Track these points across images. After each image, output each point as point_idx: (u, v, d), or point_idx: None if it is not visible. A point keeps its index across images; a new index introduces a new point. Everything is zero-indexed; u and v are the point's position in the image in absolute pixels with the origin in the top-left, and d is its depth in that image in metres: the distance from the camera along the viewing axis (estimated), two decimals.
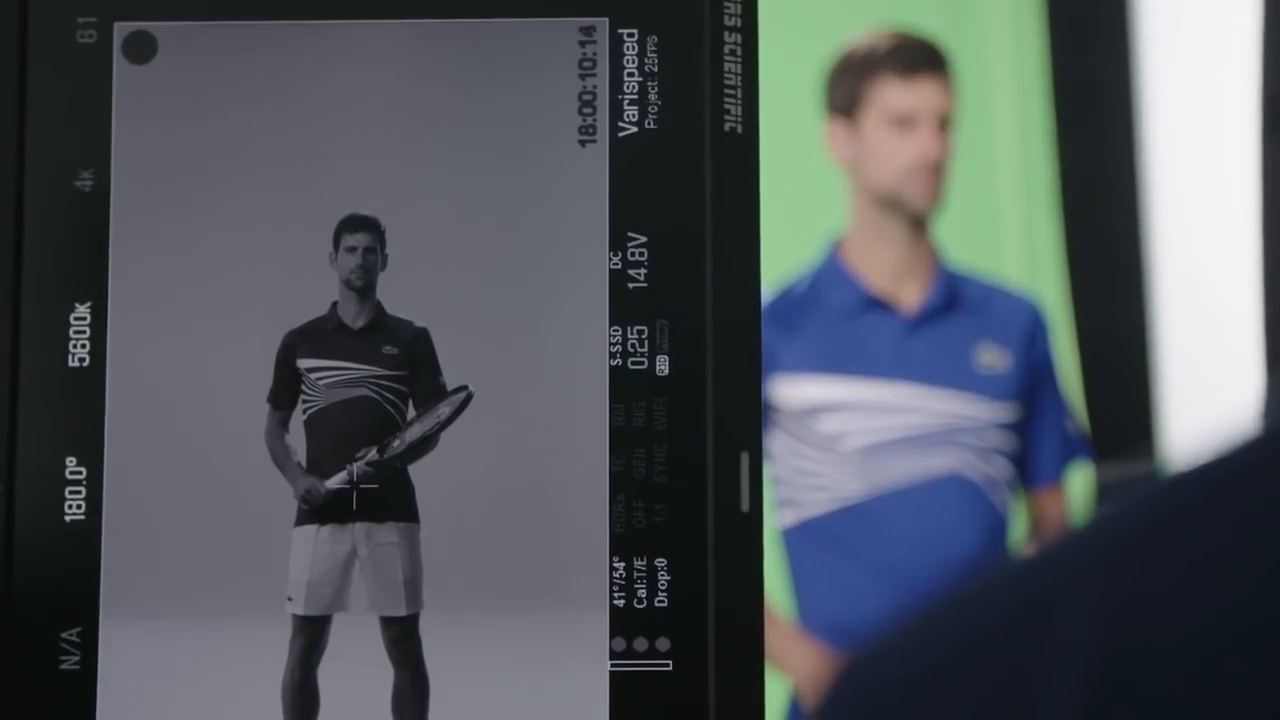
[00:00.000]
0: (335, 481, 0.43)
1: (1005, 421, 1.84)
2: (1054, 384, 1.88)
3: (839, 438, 1.82)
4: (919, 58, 1.83)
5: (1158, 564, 0.32)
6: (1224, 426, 0.37)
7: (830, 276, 1.86)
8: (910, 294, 1.85)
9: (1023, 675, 0.32)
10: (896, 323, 1.84)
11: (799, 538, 1.85)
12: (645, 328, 0.43)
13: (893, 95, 1.82)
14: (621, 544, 0.42)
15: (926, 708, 0.34)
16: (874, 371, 1.83)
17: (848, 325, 1.84)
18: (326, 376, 0.44)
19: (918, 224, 1.85)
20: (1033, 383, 1.86)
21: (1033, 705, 0.32)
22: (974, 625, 0.34)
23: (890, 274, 1.85)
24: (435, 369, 0.43)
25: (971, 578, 0.36)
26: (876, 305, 1.84)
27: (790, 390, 1.82)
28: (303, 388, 0.43)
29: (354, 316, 0.44)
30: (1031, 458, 1.87)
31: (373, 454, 0.43)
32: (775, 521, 1.86)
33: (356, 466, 0.43)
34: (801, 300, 1.85)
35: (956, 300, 1.86)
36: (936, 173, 1.82)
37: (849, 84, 1.84)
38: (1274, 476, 0.33)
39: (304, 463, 0.43)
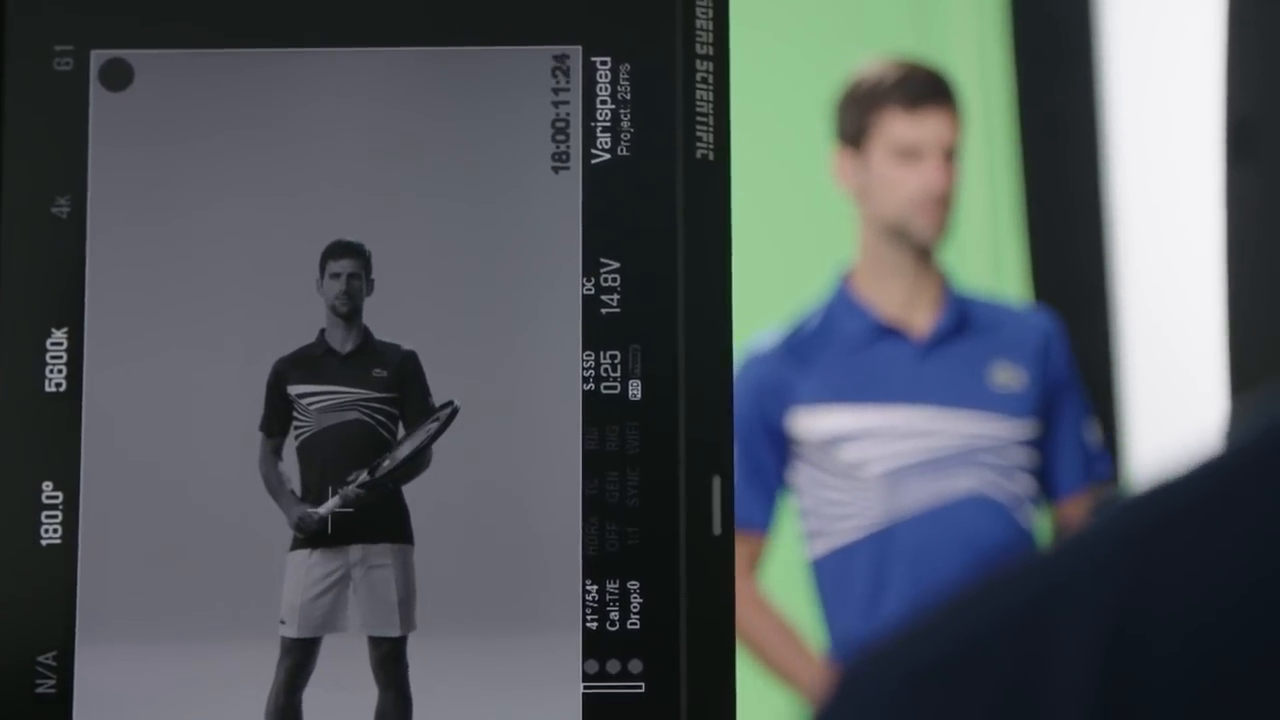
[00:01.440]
0: (327, 507, 0.43)
1: (1025, 438, 1.85)
2: (1072, 397, 1.89)
3: (860, 465, 1.83)
4: (924, 89, 1.84)
5: (1162, 560, 0.33)
6: (1197, 441, 0.37)
7: (841, 308, 1.87)
8: (921, 320, 1.86)
9: (1031, 669, 0.33)
10: (909, 348, 1.85)
11: (828, 567, 1.85)
12: (618, 352, 0.43)
13: (899, 127, 1.82)
14: (594, 567, 0.43)
15: (937, 700, 0.34)
16: (890, 398, 1.84)
17: (861, 354, 1.85)
18: (317, 401, 0.44)
19: (924, 253, 1.86)
20: (1050, 398, 1.87)
21: (1041, 699, 0.32)
22: (983, 620, 0.35)
23: (900, 302, 1.86)
24: (425, 390, 0.44)
25: (982, 575, 0.36)
26: (888, 333, 1.85)
27: (810, 422, 1.82)
28: (294, 414, 0.44)
29: (341, 341, 0.44)
30: (1054, 471, 1.87)
31: (364, 476, 0.43)
32: (805, 553, 1.86)
33: (349, 490, 0.43)
34: (815, 334, 1.86)
35: (967, 322, 1.87)
36: (943, 204, 1.83)
37: (856, 114, 1.85)
38: (1276, 471, 0.33)
39: (297, 490, 0.43)
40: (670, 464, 0.43)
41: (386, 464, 0.43)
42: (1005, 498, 1.82)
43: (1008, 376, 1.85)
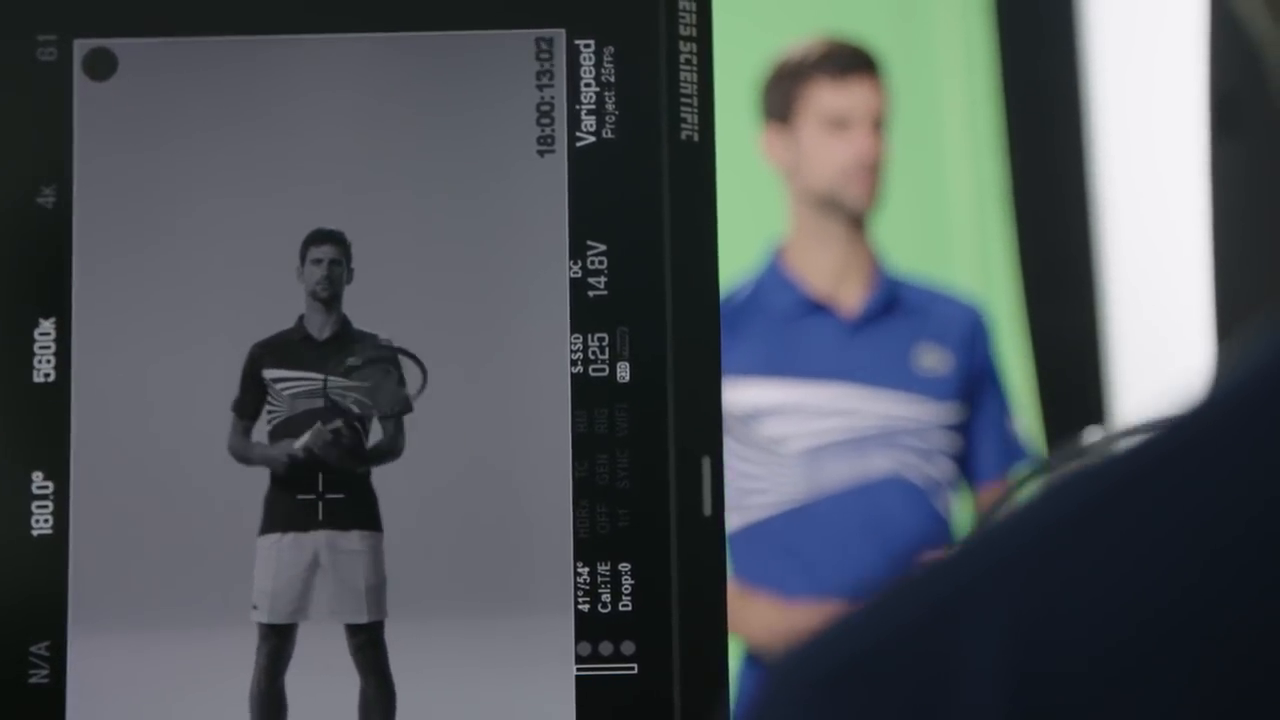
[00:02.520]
0: (300, 444, 0.44)
1: (947, 423, 1.86)
2: (996, 387, 1.91)
3: (781, 441, 1.83)
4: (851, 61, 1.86)
5: (1067, 569, 0.32)
6: (1145, 416, 0.37)
7: (772, 282, 1.88)
8: (851, 297, 1.87)
9: (935, 684, 0.32)
10: (837, 325, 1.86)
11: (741, 543, 1.86)
12: (606, 335, 0.43)
13: (826, 97, 1.84)
14: (585, 549, 0.43)
15: (849, 704, 0.34)
16: (815, 374, 1.85)
17: (789, 329, 1.86)
18: (290, 387, 0.44)
19: (856, 224, 1.87)
20: (974, 385, 1.88)
21: (946, 716, 0.32)
22: (885, 630, 0.34)
23: (830, 277, 1.87)
24: (399, 379, 0.44)
25: (892, 578, 0.36)
26: (817, 309, 1.86)
27: (733, 394, 1.83)
28: (268, 399, 0.44)
29: (320, 328, 0.44)
30: (974, 458, 1.89)
31: (339, 424, 0.44)
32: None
33: (325, 430, 0.44)
34: (744, 306, 1.87)
35: (896, 303, 1.88)
36: (873, 172, 1.85)
37: (784, 90, 1.87)
38: (1189, 469, 0.32)
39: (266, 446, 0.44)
40: (660, 446, 0.43)
41: (363, 414, 0.44)
42: (923, 481, 1.84)
43: (933, 360, 1.87)
